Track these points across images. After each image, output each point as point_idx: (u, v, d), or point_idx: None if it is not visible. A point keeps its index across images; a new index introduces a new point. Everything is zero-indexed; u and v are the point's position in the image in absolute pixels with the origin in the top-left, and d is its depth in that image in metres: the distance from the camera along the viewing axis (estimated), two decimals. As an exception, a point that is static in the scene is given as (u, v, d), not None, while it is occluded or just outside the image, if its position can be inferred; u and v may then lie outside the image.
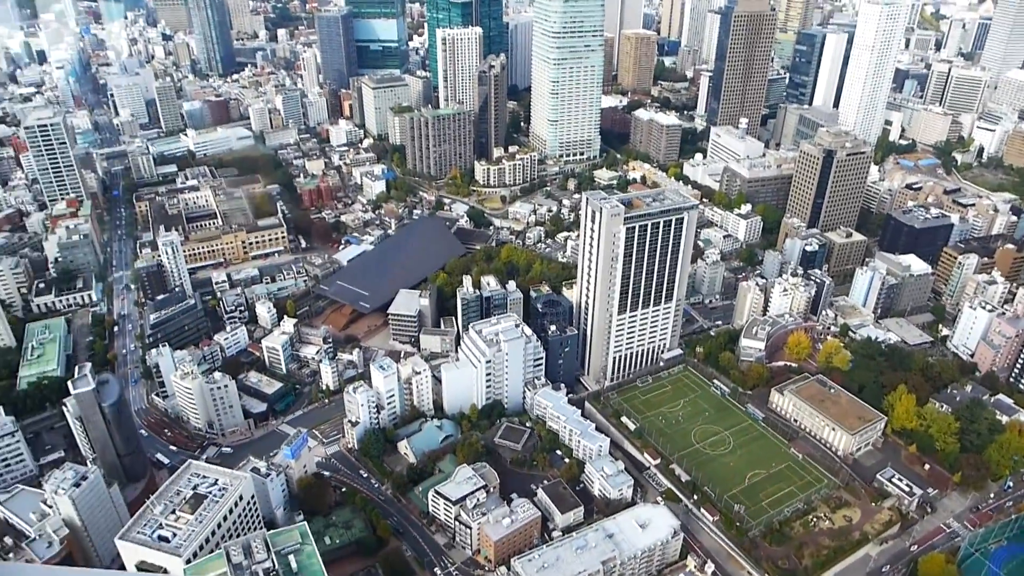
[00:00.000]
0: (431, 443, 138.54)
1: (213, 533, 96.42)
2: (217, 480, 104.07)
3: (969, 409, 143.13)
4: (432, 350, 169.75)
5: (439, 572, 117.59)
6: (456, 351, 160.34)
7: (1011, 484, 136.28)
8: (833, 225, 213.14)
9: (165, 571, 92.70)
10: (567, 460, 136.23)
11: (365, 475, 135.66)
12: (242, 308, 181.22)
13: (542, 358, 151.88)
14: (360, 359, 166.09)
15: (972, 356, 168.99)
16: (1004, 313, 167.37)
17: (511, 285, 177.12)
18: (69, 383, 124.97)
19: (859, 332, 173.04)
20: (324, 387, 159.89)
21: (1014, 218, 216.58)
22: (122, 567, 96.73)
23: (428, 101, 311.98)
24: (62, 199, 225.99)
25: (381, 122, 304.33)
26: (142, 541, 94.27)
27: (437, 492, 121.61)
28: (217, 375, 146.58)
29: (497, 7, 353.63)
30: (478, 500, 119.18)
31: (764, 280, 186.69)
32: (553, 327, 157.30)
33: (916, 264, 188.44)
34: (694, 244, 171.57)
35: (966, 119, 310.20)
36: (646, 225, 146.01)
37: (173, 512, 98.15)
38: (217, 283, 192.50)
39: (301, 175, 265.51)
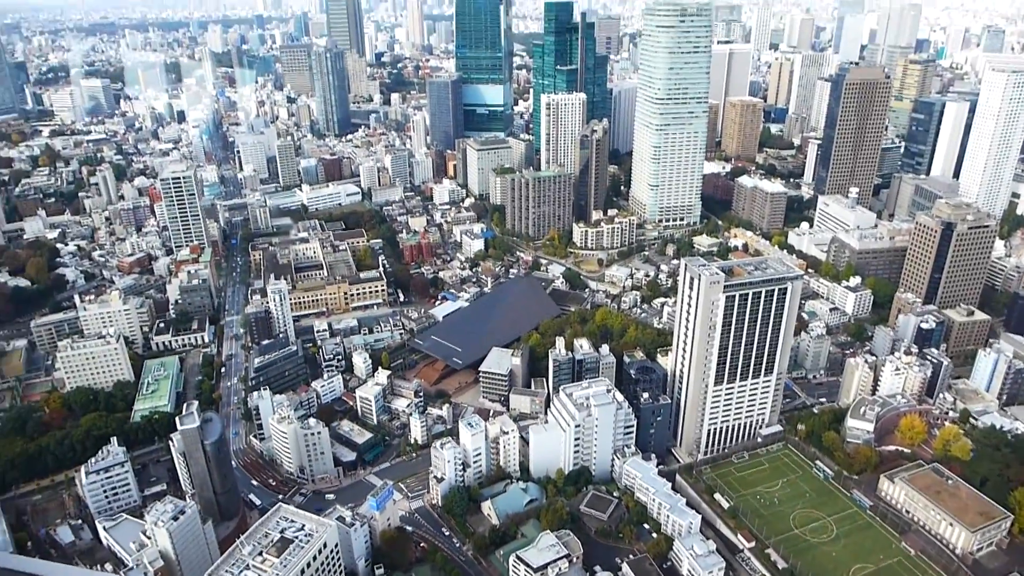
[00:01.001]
0: (515, 506, 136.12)
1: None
2: (304, 525, 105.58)
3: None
4: (521, 410, 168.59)
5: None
6: (545, 413, 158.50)
7: None
8: (952, 302, 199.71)
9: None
10: (655, 535, 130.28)
11: (447, 533, 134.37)
12: (340, 357, 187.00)
13: (633, 426, 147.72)
14: (449, 415, 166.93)
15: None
16: None
17: (604, 349, 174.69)
18: (177, 419, 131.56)
19: (981, 419, 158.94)
20: (412, 440, 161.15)
21: None
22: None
23: (530, 163, 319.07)
24: (187, 246, 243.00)
25: (483, 182, 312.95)
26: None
27: (518, 558, 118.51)
28: (312, 421, 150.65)
29: (602, 74, 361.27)
30: (560, 570, 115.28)
31: (874, 357, 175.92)
32: (646, 394, 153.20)
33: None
34: (798, 316, 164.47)
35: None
36: (747, 294, 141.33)
37: (260, 554, 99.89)
38: (318, 331, 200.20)
39: (404, 231, 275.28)
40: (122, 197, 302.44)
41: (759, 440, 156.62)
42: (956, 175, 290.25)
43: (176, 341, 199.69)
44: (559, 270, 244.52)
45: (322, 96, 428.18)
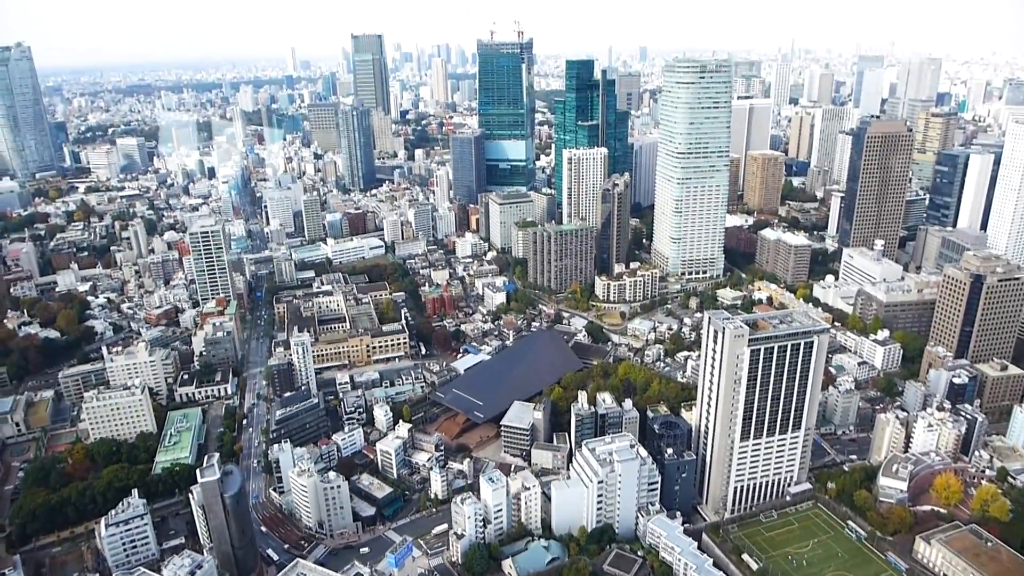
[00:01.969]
0: (537, 564, 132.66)
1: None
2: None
3: None
4: (543, 465, 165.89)
5: None
6: (568, 469, 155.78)
7: None
8: (985, 356, 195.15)
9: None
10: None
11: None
12: (361, 410, 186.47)
13: (657, 482, 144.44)
14: (470, 469, 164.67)
15: None
16: None
17: (627, 403, 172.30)
18: (197, 471, 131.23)
19: (1020, 478, 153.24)
20: (433, 495, 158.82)
21: None
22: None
23: (552, 217, 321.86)
24: (213, 298, 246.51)
25: (505, 236, 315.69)
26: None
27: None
28: (332, 475, 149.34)
29: (623, 129, 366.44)
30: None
31: (905, 413, 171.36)
32: (670, 450, 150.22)
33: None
34: (825, 370, 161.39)
35: None
36: (772, 348, 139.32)
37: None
38: (340, 384, 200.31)
39: (426, 284, 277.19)
40: (152, 251, 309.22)
41: (788, 498, 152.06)
42: (984, 227, 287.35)
43: (199, 393, 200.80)
44: (581, 323, 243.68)
45: (348, 152, 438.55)
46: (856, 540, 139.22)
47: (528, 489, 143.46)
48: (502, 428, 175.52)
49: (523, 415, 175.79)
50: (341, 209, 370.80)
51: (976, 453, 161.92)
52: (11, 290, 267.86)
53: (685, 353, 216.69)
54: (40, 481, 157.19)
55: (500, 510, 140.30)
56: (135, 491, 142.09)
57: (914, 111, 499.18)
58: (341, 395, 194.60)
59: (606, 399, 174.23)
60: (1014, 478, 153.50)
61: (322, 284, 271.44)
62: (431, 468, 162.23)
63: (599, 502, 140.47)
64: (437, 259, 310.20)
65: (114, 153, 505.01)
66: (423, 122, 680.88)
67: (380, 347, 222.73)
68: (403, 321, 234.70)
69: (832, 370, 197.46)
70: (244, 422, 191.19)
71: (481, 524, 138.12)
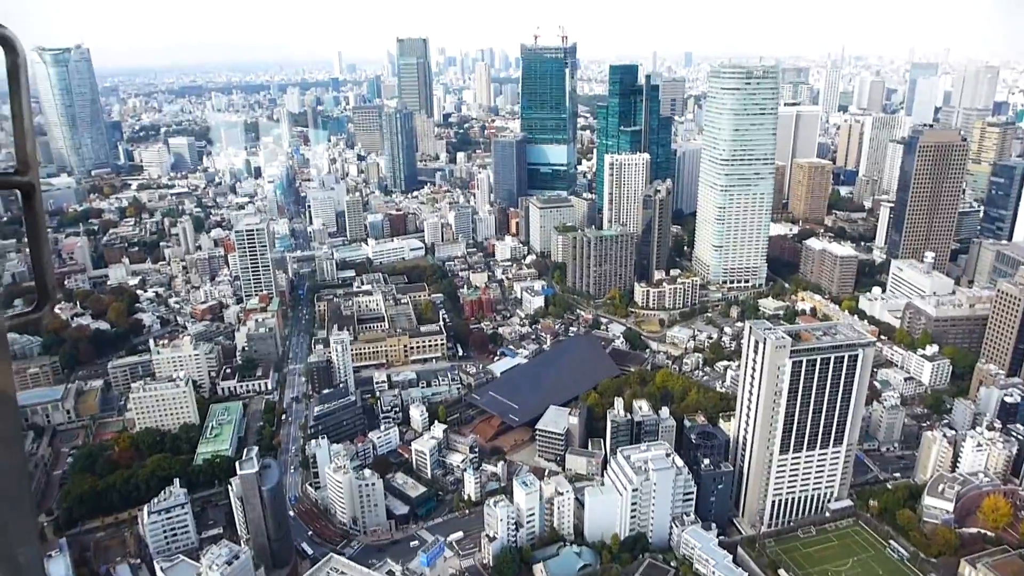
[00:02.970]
0: (568, 570, 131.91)
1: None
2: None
3: None
4: (577, 471, 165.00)
5: None
6: (602, 475, 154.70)
7: None
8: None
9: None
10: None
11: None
12: (397, 409, 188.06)
13: (693, 493, 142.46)
14: (504, 472, 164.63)
15: None
16: None
17: (664, 412, 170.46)
18: (237, 463, 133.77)
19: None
20: (466, 497, 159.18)
21: None
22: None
23: (592, 222, 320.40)
24: (256, 295, 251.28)
25: (545, 240, 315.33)
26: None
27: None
28: (367, 472, 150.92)
29: (666, 135, 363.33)
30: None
31: (953, 432, 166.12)
32: (707, 460, 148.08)
33: None
34: (870, 384, 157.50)
35: None
36: (815, 360, 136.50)
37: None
38: (377, 383, 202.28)
39: (465, 286, 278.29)
40: (199, 247, 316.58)
41: (827, 514, 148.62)
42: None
43: (241, 387, 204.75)
44: (619, 330, 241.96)
45: (391, 154, 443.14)
46: (898, 560, 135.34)
47: (561, 494, 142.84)
48: (537, 432, 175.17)
49: (558, 420, 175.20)
50: (383, 210, 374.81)
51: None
52: (65, 282, 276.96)
53: (725, 363, 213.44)
54: (87, 467, 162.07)
55: (533, 514, 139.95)
56: (177, 480, 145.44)
57: (969, 120, 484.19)
58: (378, 394, 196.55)
59: (643, 407, 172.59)
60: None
61: (362, 284, 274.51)
62: (465, 469, 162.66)
63: (633, 510, 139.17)
64: (476, 262, 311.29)
65: (165, 152, 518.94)
66: (465, 125, 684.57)
67: (418, 347, 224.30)
68: (441, 322, 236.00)
69: (877, 385, 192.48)
70: (283, 417, 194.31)
71: (513, 527, 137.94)
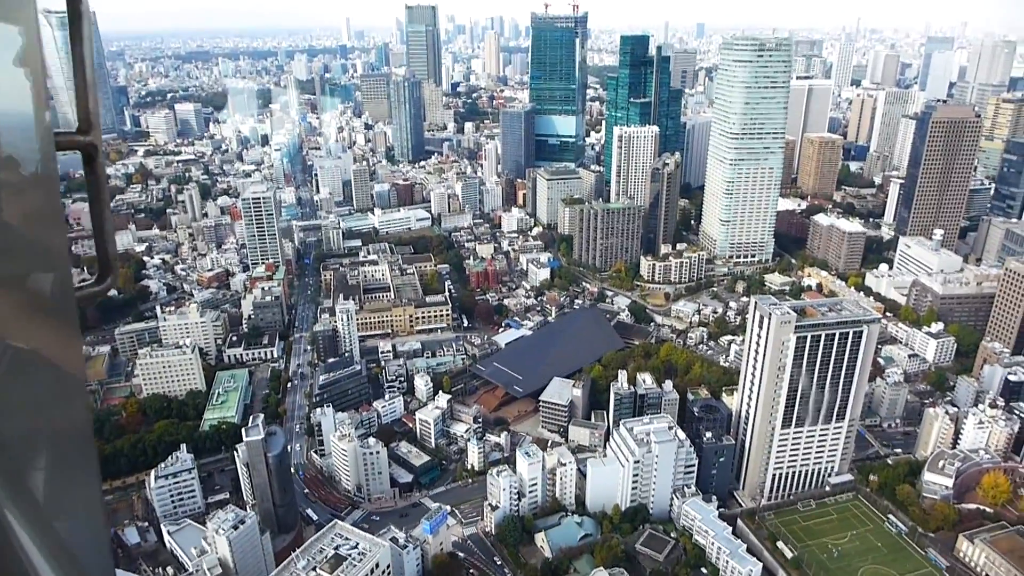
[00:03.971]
0: (569, 539, 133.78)
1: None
2: (358, 544, 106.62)
3: None
4: (580, 442, 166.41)
5: None
6: (604, 447, 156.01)
7: None
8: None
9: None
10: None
11: (499, 562, 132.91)
12: (402, 379, 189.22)
13: (694, 465, 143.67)
14: (507, 443, 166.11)
15: None
16: None
17: (668, 385, 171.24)
18: (243, 430, 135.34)
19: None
20: (469, 466, 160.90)
21: None
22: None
23: (599, 194, 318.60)
24: (262, 263, 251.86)
25: (552, 212, 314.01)
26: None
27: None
28: (371, 441, 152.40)
29: (676, 108, 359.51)
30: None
31: (956, 409, 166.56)
32: (709, 434, 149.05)
33: None
34: (873, 361, 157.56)
35: None
36: (819, 336, 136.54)
37: (314, 569, 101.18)
38: (382, 352, 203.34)
39: (471, 257, 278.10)
40: (206, 215, 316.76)
41: (827, 488, 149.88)
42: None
43: (247, 355, 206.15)
44: (624, 303, 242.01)
45: (398, 123, 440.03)
46: (896, 534, 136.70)
47: (564, 465, 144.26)
48: (540, 403, 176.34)
49: (562, 391, 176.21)
50: (389, 180, 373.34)
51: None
52: (72, 248, 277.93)
53: (729, 337, 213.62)
54: (95, 432, 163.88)
55: (535, 484, 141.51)
56: (183, 446, 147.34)
57: (984, 96, 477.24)
58: (383, 363, 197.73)
59: (646, 379, 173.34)
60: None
61: (368, 253, 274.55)
62: (468, 439, 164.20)
63: (634, 482, 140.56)
64: (483, 233, 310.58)
65: (172, 118, 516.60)
66: (474, 95, 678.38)
67: (423, 318, 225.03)
68: (447, 293, 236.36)
69: (881, 361, 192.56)
70: (289, 385, 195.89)
71: (516, 497, 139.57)
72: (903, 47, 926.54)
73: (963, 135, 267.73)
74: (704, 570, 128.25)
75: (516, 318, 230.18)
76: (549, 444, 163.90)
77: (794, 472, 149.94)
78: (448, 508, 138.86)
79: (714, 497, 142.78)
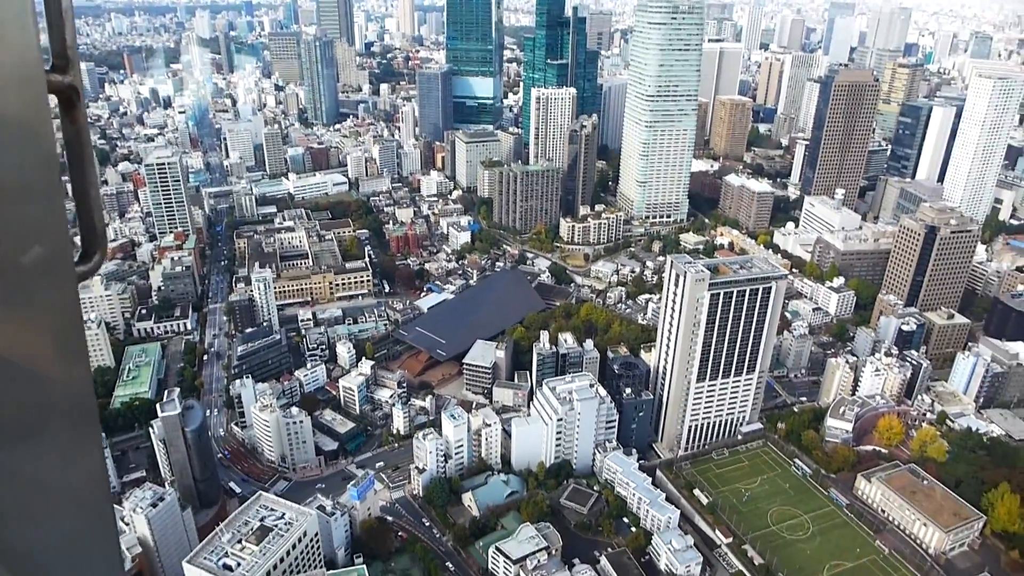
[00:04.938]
0: (496, 497, 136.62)
1: (275, 567, 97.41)
2: (284, 514, 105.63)
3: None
4: (504, 403, 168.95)
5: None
6: (528, 406, 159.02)
7: None
8: (933, 305, 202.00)
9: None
10: (634, 529, 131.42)
11: (427, 524, 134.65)
12: (323, 347, 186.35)
13: (615, 421, 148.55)
14: (432, 406, 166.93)
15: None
16: None
17: (588, 344, 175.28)
18: (158, 406, 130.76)
19: (958, 422, 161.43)
20: (395, 431, 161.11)
21: None
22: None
23: (518, 157, 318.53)
24: (170, 232, 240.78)
25: (471, 175, 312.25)
26: (208, 567, 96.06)
27: (498, 549, 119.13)
28: (294, 410, 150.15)
29: (592, 69, 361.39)
30: (539, 562, 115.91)
31: (855, 358, 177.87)
32: (629, 390, 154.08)
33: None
34: (781, 315, 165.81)
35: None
36: (731, 292, 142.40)
37: (240, 542, 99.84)
38: (302, 320, 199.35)
39: (391, 222, 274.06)
40: (105, 182, 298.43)
41: (739, 437, 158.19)
42: (941, 179, 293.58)
43: (158, 328, 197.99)
44: (545, 264, 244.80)
45: (310, 84, 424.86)
46: (802, 477, 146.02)
47: (489, 426, 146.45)
48: (464, 366, 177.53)
49: (485, 354, 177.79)
50: (303, 143, 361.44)
51: (919, 397, 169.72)
52: None
53: (646, 296, 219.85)
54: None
55: (461, 446, 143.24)
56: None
57: (882, 61, 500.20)
58: (304, 332, 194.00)
59: (567, 339, 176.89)
60: (952, 421, 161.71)
61: (284, 220, 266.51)
62: (393, 404, 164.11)
63: (558, 439, 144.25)
64: (402, 197, 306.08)
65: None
66: (389, 55, 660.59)
67: (343, 284, 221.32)
68: (367, 259, 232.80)
69: (788, 315, 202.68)
70: (205, 358, 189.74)
71: (442, 459, 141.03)
72: (808, 12, 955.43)
73: (862, 98, 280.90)
74: (626, 520, 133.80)
75: (438, 282, 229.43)
76: (474, 406, 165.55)
77: (709, 423, 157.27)
78: (375, 474, 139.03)
79: (634, 450, 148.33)
